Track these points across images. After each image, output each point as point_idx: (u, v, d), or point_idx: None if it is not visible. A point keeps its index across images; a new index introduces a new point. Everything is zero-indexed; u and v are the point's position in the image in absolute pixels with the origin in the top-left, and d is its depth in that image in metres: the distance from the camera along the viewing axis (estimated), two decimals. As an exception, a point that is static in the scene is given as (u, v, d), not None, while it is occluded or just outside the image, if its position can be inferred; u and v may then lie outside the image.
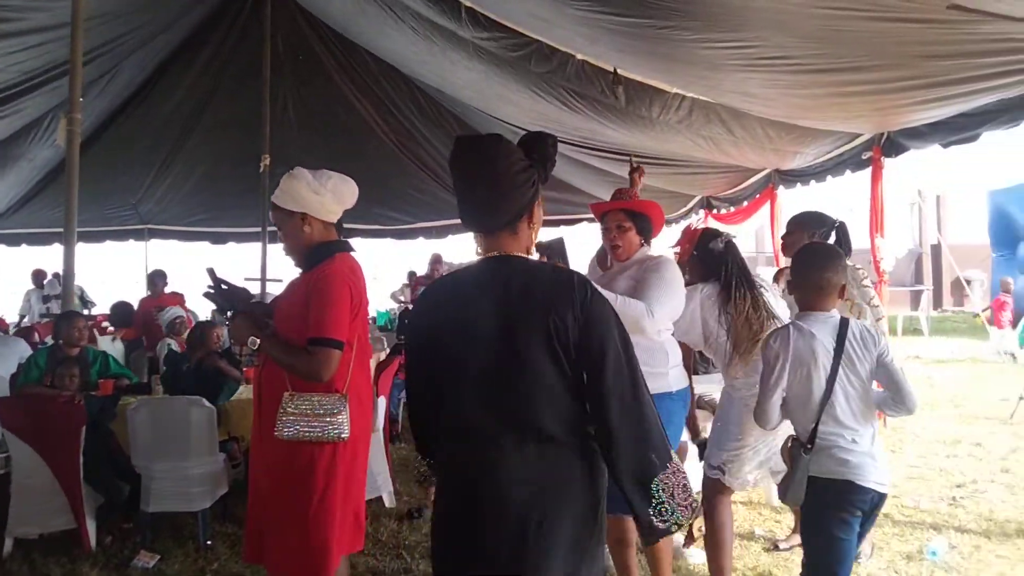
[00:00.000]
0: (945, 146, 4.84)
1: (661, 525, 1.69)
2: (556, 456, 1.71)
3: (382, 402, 4.69)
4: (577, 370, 1.70)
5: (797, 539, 4.02)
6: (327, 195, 2.67)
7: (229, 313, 2.75)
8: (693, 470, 3.64)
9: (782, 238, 4.14)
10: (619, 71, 4.70)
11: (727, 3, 3.23)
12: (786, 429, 2.90)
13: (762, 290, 3.25)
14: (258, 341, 2.56)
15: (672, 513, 1.69)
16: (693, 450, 3.85)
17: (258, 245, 7.83)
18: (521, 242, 1.81)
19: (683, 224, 9.97)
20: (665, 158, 6.72)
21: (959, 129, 4.56)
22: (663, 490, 1.69)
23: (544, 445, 1.70)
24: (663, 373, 3.00)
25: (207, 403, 4.15)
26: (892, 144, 5.25)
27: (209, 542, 4.11)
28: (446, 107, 7.84)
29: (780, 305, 3.35)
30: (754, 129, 5.36)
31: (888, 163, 5.44)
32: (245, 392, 4.74)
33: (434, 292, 1.91)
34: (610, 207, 3.21)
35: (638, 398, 1.71)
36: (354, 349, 2.63)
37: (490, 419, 1.70)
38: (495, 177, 1.75)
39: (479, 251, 1.83)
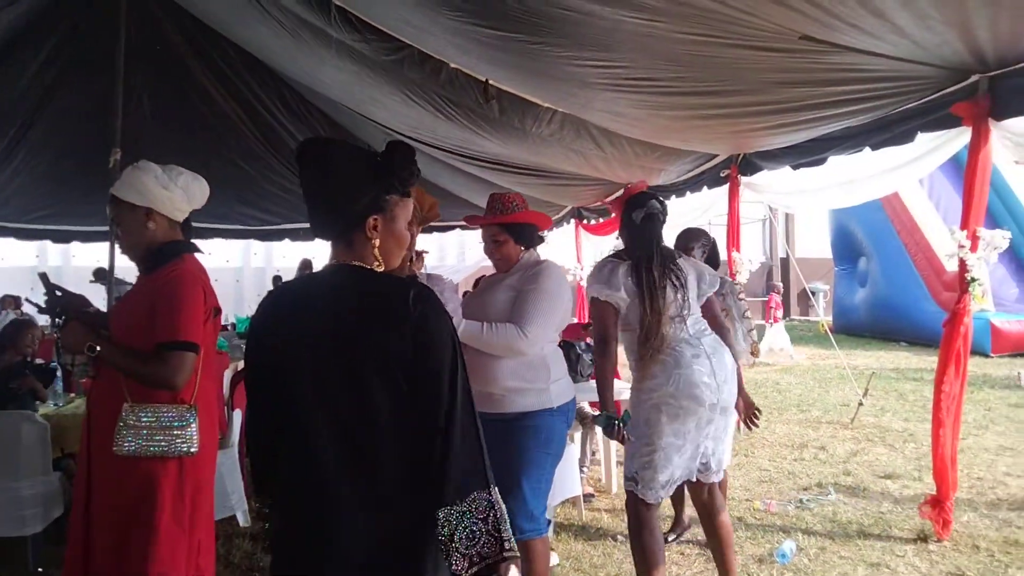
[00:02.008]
0: (795, 167, 5.16)
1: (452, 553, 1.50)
2: (400, 494, 1.57)
3: (238, 415, 4.46)
4: (410, 390, 1.58)
5: (680, 529, 4.26)
6: (177, 191, 2.53)
7: (60, 320, 2.53)
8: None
9: (686, 251, 4.17)
10: (491, 82, 4.69)
11: (596, 24, 3.26)
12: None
13: (671, 282, 3.15)
14: (97, 348, 2.35)
15: (468, 544, 1.50)
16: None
17: (105, 245, 7.32)
18: (356, 253, 1.68)
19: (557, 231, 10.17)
20: (539, 169, 6.78)
21: (807, 152, 4.87)
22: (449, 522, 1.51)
23: (386, 483, 1.57)
24: (544, 389, 2.96)
25: (39, 418, 3.82)
26: (748, 164, 5.54)
27: (40, 568, 3.79)
28: (314, 103, 7.60)
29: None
30: (622, 146, 5.49)
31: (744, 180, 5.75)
32: (82, 406, 4.38)
33: (272, 304, 1.75)
34: (484, 222, 3.15)
35: (470, 422, 1.59)
36: (200, 357, 2.46)
37: (330, 453, 1.57)
38: (322, 185, 1.69)
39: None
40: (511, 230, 3.09)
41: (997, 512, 4.66)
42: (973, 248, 3.89)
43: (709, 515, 3.28)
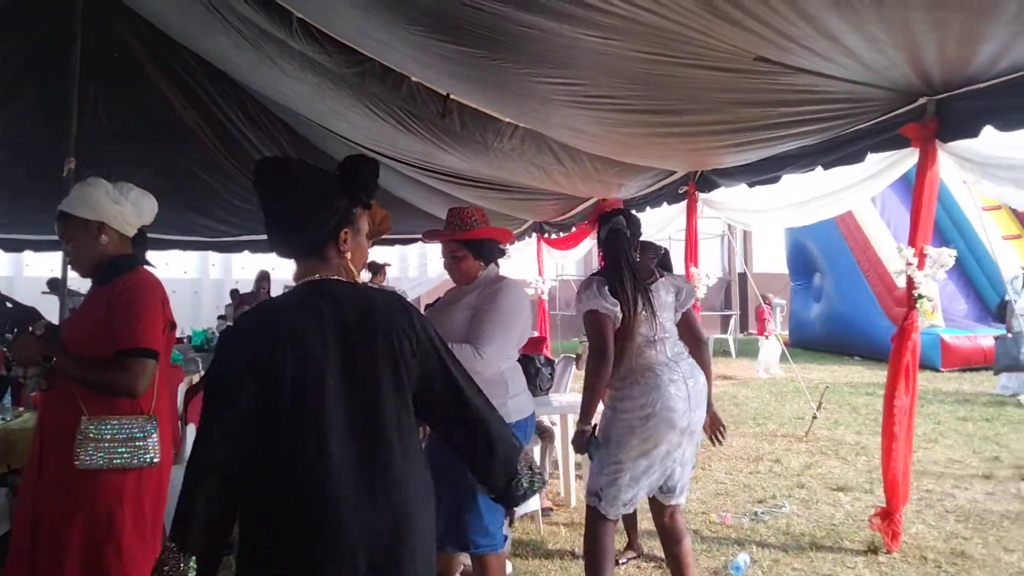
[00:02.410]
0: (751, 185, 5.25)
1: (520, 493, 1.84)
2: (405, 480, 1.69)
3: (191, 429, 4.38)
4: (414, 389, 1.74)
5: (633, 553, 4.20)
6: (128, 206, 2.56)
7: (12, 332, 2.49)
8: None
9: None
10: (452, 97, 4.71)
11: (555, 41, 3.30)
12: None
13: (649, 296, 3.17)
14: (52, 358, 2.30)
15: (527, 487, 1.84)
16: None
17: (58, 255, 7.16)
18: (332, 268, 1.75)
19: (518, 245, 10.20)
20: (500, 183, 6.81)
21: (763, 171, 4.97)
22: (523, 464, 1.84)
23: (394, 471, 1.67)
24: (502, 404, 2.93)
25: (-16, 433, 3.70)
26: (706, 181, 5.64)
27: (-18, 590, 3.65)
28: (277, 115, 7.54)
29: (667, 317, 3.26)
30: (582, 161, 5.54)
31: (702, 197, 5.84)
32: (31, 420, 4.26)
33: (260, 320, 1.72)
34: (443, 239, 3.13)
35: (480, 392, 1.85)
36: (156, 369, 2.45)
37: (339, 450, 1.62)
38: (291, 203, 1.71)
39: (295, 276, 1.76)
40: (470, 246, 3.08)
41: (945, 524, 4.76)
42: (920, 265, 4.00)
43: (671, 540, 3.25)
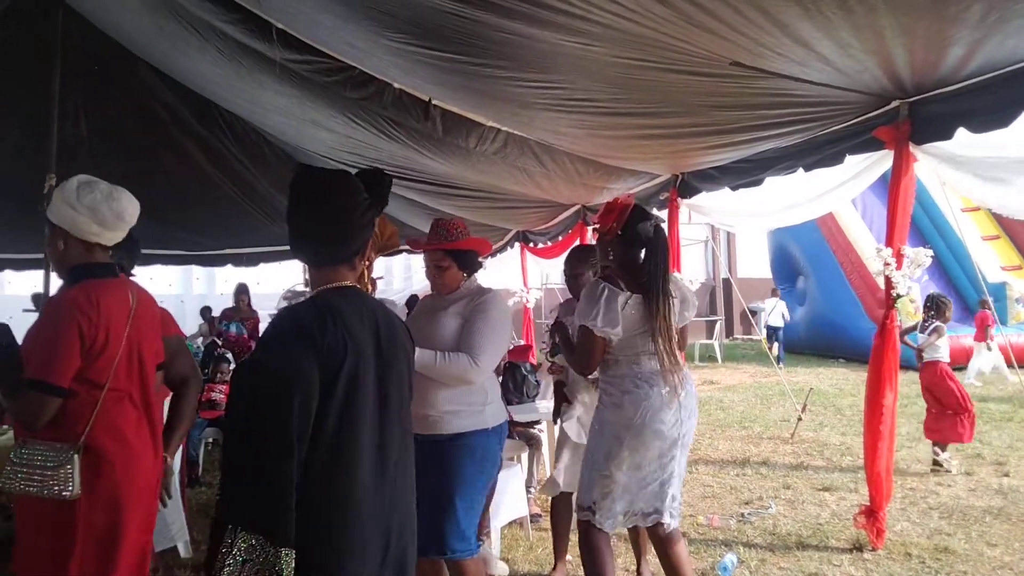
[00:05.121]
0: (734, 188, 5.30)
1: None
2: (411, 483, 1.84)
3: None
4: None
5: None
6: (82, 211, 2.34)
7: None
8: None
9: (574, 276, 3.93)
10: (435, 102, 4.74)
11: (535, 47, 3.34)
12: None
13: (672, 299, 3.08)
14: None
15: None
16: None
17: (40, 274, 7.11)
18: (357, 276, 1.83)
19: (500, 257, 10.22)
20: (483, 191, 6.83)
21: (745, 174, 5.01)
22: None
23: (407, 476, 1.82)
24: (480, 411, 3.01)
25: (-32, 450, 3.66)
26: (687, 186, 5.68)
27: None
28: (256, 127, 7.52)
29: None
30: (564, 163, 5.58)
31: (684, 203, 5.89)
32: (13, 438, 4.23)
33: (312, 316, 1.65)
34: (428, 247, 3.15)
35: None
36: (105, 388, 2.31)
37: (368, 455, 1.68)
38: (345, 213, 1.74)
39: (310, 281, 1.80)
40: (455, 256, 3.12)
41: (928, 521, 4.82)
42: (899, 265, 4.06)
43: (663, 543, 3.14)
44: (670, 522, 3.08)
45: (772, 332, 14.65)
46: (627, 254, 3.07)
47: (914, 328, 6.87)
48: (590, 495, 3.06)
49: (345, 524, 1.62)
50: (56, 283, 2.69)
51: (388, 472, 1.71)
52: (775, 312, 14.91)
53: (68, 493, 2.20)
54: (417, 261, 11.67)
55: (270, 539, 1.48)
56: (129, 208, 2.45)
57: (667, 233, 6.03)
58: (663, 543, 3.14)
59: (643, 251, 3.03)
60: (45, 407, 2.19)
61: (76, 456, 2.23)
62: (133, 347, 2.43)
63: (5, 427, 4.77)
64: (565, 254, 4.15)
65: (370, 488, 1.66)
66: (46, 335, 2.27)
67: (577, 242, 7.37)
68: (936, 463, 6.15)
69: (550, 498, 4.07)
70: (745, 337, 20.57)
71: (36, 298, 10.99)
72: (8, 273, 9.76)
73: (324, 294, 1.73)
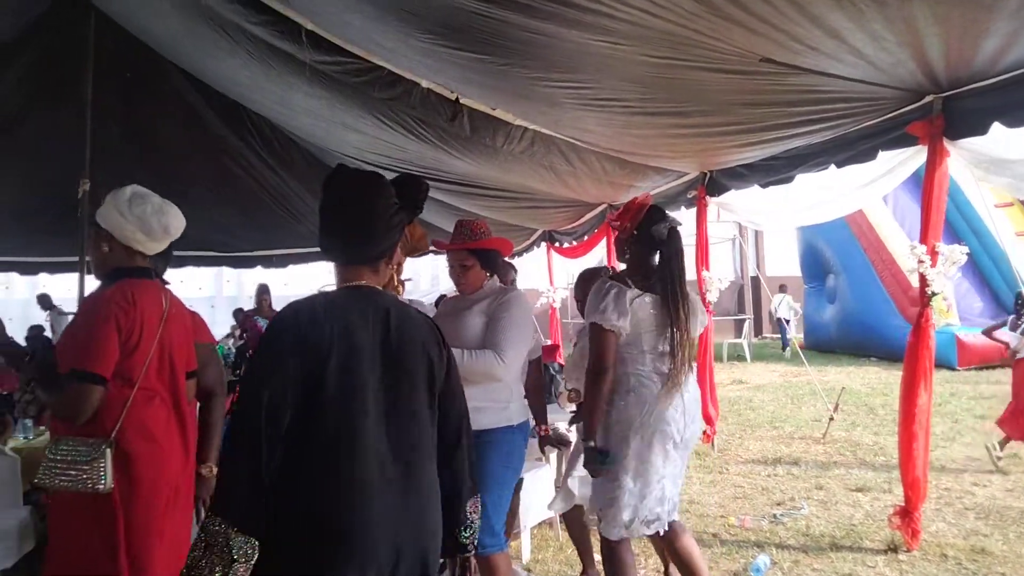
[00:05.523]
0: (764, 186, 5.25)
1: (464, 543, 1.87)
2: (427, 483, 1.77)
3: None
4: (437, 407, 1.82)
5: None
6: (131, 220, 2.48)
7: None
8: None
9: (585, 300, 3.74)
10: (462, 101, 4.75)
11: (562, 46, 3.34)
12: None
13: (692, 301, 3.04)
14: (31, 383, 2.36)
15: (472, 535, 1.88)
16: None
17: (74, 276, 7.23)
18: (381, 278, 1.83)
19: (526, 258, 10.21)
20: (509, 190, 6.84)
21: (775, 171, 4.96)
22: (472, 512, 1.88)
23: (419, 474, 1.74)
24: (505, 407, 3.04)
25: (9, 451, 3.75)
26: (715, 184, 5.63)
27: (11, 604, 3.69)
28: (283, 129, 7.59)
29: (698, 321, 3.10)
30: (591, 162, 5.57)
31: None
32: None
33: (312, 310, 1.72)
34: (452, 247, 3.19)
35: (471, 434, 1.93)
36: (137, 386, 2.38)
37: (373, 450, 1.66)
38: (372, 215, 1.77)
39: (335, 279, 1.83)
40: (479, 255, 3.16)
41: (964, 521, 4.73)
42: (933, 263, 3.99)
43: (669, 541, 3.09)
44: (670, 521, 3.07)
45: (783, 324, 16.49)
46: (641, 255, 3.08)
47: (1001, 324, 6.74)
48: (597, 501, 3.05)
49: (340, 521, 1.61)
50: (91, 286, 2.77)
51: (398, 474, 1.68)
52: (783, 305, 16.27)
53: (102, 486, 2.27)
54: (444, 263, 11.67)
55: (226, 522, 1.54)
56: (175, 223, 2.59)
57: (698, 230, 6.10)
58: (669, 541, 3.10)
59: (657, 253, 3.03)
60: (89, 397, 2.26)
61: (108, 450, 2.30)
62: (165, 349, 2.51)
63: (43, 428, 4.86)
64: (575, 277, 4.09)
65: (375, 488, 1.64)
66: (85, 329, 2.36)
67: (588, 265, 7.33)
68: (993, 455, 6.05)
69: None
70: (774, 336, 20.34)
71: (42, 299, 11.21)
72: (43, 276, 9.95)
73: (334, 291, 1.80)
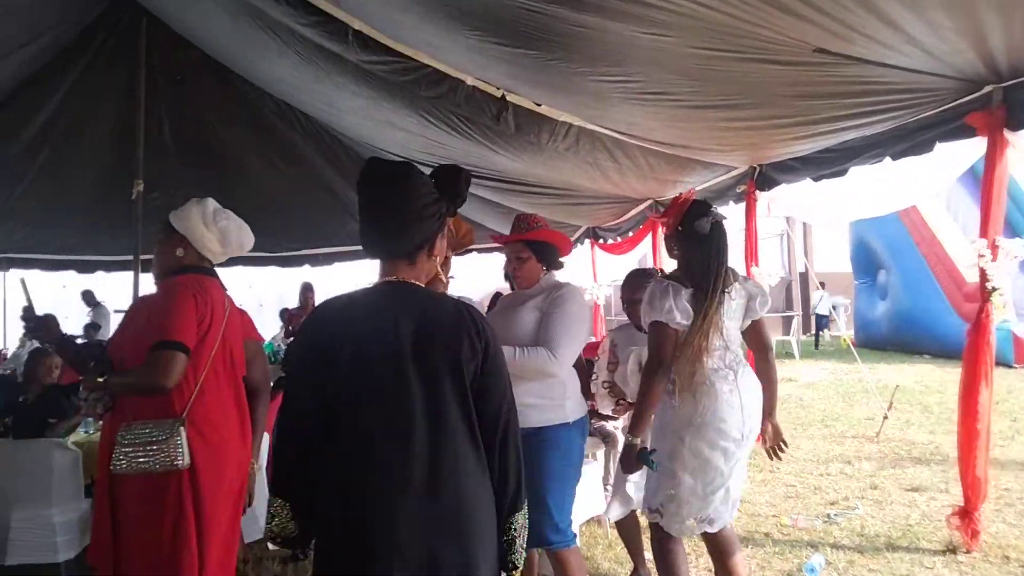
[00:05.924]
0: (816, 179, 5.13)
1: (508, 561, 1.79)
2: (455, 481, 1.68)
3: (266, 438, 4.48)
4: (473, 405, 1.72)
5: None
6: (213, 232, 2.69)
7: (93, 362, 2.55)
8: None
9: (633, 301, 3.81)
10: (508, 98, 4.75)
11: (608, 40, 3.32)
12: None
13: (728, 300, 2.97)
14: (102, 380, 2.40)
15: (515, 553, 1.79)
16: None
17: (129, 274, 7.41)
18: (419, 272, 1.80)
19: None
20: (553, 187, 6.82)
21: (828, 164, 4.85)
22: (516, 528, 1.79)
23: (454, 487, 1.67)
24: (561, 404, 3.01)
25: (71, 446, 3.87)
26: (765, 178, 5.53)
27: (73, 595, 3.81)
28: (331, 130, 7.68)
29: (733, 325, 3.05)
30: (636, 157, 5.52)
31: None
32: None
33: (327, 312, 1.77)
34: (509, 239, 3.21)
35: (518, 439, 1.80)
36: (204, 372, 2.51)
37: (395, 455, 1.65)
38: (401, 206, 1.74)
39: (380, 276, 1.82)
40: (534, 248, 3.16)
41: (1027, 523, 4.60)
42: (994, 257, 3.88)
43: (720, 555, 3.06)
44: (726, 534, 3.02)
45: (820, 321, 17.64)
46: (686, 250, 3.04)
47: None
48: (656, 498, 2.97)
49: (360, 524, 1.62)
50: (147, 287, 2.89)
51: (424, 477, 1.64)
52: (823, 303, 16.92)
53: (180, 462, 2.38)
54: (485, 264, 11.54)
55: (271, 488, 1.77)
56: (247, 242, 2.82)
57: (747, 226, 5.99)
58: (720, 550, 3.05)
59: (699, 248, 2.97)
60: (175, 361, 2.35)
61: (182, 428, 2.40)
62: (227, 343, 2.63)
63: (91, 420, 4.97)
64: (623, 278, 4.11)
65: (395, 491, 1.62)
66: (165, 307, 2.49)
67: (636, 264, 7.29)
68: None
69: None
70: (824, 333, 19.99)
71: (86, 295, 11.52)
72: (100, 275, 10.22)
73: (363, 289, 1.80)
